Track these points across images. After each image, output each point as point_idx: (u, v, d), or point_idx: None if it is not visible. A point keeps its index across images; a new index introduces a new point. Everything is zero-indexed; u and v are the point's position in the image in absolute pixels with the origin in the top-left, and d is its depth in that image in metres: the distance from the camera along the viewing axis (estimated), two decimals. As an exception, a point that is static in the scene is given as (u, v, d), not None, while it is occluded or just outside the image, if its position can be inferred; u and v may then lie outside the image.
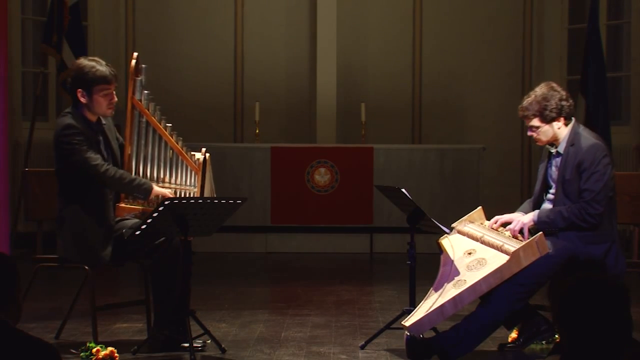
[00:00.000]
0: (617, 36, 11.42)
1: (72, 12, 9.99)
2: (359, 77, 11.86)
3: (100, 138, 5.59)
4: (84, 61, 5.57)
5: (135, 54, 5.73)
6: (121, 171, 5.46)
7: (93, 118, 5.55)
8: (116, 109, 5.72)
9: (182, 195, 5.59)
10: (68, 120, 5.46)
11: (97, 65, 5.50)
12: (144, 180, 5.50)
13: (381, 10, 11.90)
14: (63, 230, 5.49)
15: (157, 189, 5.50)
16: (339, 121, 11.49)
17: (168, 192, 5.51)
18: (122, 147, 5.71)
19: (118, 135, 5.79)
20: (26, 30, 11.12)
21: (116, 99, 5.57)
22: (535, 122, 5.31)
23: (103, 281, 7.28)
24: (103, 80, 5.46)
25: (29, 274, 5.56)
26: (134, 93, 5.61)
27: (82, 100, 5.47)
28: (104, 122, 5.62)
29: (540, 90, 5.33)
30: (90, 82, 5.45)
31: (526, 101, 5.34)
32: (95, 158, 5.41)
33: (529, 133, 5.40)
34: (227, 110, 11.88)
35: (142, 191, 5.46)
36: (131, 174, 5.53)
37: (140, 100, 5.61)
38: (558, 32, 11.71)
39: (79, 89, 5.47)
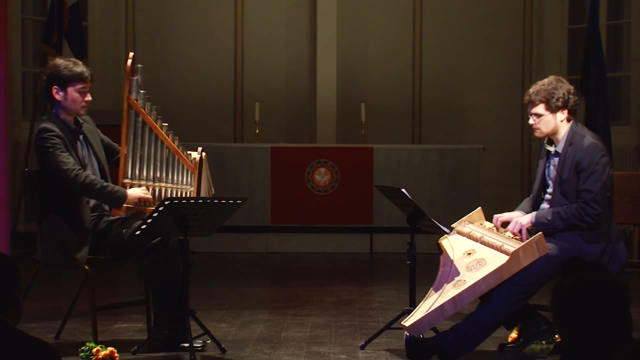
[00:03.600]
0: (617, 36, 11.42)
1: (72, 12, 9.99)
2: (359, 77, 11.86)
3: (81, 139, 5.58)
4: (59, 60, 5.63)
5: (131, 54, 5.73)
6: (93, 177, 5.42)
7: (71, 119, 5.55)
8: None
9: (179, 195, 5.59)
10: (44, 124, 5.47)
11: (73, 64, 5.52)
12: (117, 188, 5.47)
13: (381, 10, 11.90)
14: (42, 234, 5.51)
15: (132, 193, 5.47)
16: (339, 121, 11.49)
17: (142, 192, 5.49)
18: (107, 147, 5.71)
19: (103, 136, 5.78)
20: (26, 30, 11.12)
21: (90, 98, 5.57)
22: (540, 108, 5.30)
23: (103, 281, 7.28)
24: (79, 77, 5.48)
25: (29, 274, 5.56)
26: (130, 92, 5.61)
27: (57, 97, 5.48)
28: (81, 122, 5.62)
29: (548, 80, 5.36)
30: (66, 78, 5.47)
31: (533, 88, 5.34)
32: (67, 162, 5.37)
33: (531, 121, 5.36)
34: (227, 110, 11.88)
35: (115, 199, 5.43)
36: (125, 177, 5.52)
37: (137, 100, 5.61)
38: (558, 32, 11.71)
39: (54, 86, 5.48)
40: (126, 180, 5.56)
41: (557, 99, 5.26)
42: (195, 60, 11.81)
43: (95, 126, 5.75)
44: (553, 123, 5.30)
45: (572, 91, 5.32)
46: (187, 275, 5.33)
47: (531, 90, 5.34)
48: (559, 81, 5.34)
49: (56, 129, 5.43)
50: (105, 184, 5.45)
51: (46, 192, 5.49)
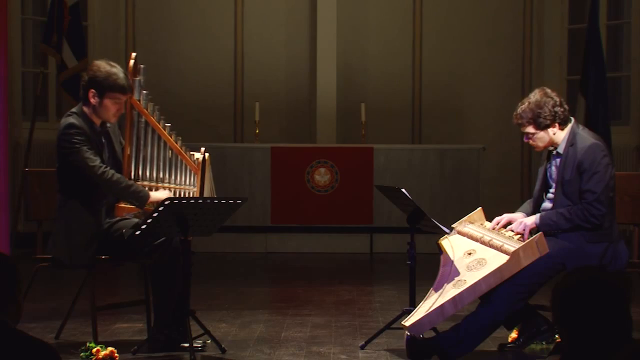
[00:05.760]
0: (617, 36, 11.42)
1: (72, 12, 9.99)
2: (359, 77, 11.86)
3: (104, 140, 5.60)
4: (106, 65, 5.55)
5: (134, 54, 5.74)
6: (118, 175, 5.45)
7: (97, 121, 5.56)
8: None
9: (182, 195, 5.59)
10: (71, 119, 5.48)
11: (119, 73, 5.50)
12: (141, 187, 5.48)
13: (381, 10, 11.90)
14: (56, 228, 5.51)
15: (154, 195, 5.48)
16: (339, 121, 11.49)
17: (165, 196, 5.49)
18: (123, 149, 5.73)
19: (122, 139, 5.79)
20: (26, 30, 11.12)
21: (123, 110, 5.58)
22: (530, 129, 5.32)
23: (103, 281, 7.28)
24: (120, 89, 5.48)
25: (29, 274, 5.56)
26: (132, 93, 5.61)
27: (92, 101, 5.49)
28: (108, 124, 5.63)
29: (534, 97, 5.33)
30: (107, 87, 5.46)
31: (520, 108, 5.34)
32: (94, 159, 5.41)
33: (525, 140, 5.40)
34: (227, 110, 11.88)
35: (138, 198, 5.45)
36: (129, 178, 5.53)
37: (139, 101, 5.61)
38: (558, 32, 11.71)
39: (93, 89, 5.48)
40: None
41: (545, 117, 5.27)
42: (195, 60, 11.81)
43: (117, 127, 5.76)
44: (547, 138, 5.33)
45: (558, 103, 5.30)
46: (187, 275, 5.34)
47: (518, 110, 5.34)
48: (544, 96, 5.32)
49: (83, 126, 5.44)
50: (130, 182, 5.48)
51: (65, 187, 5.50)
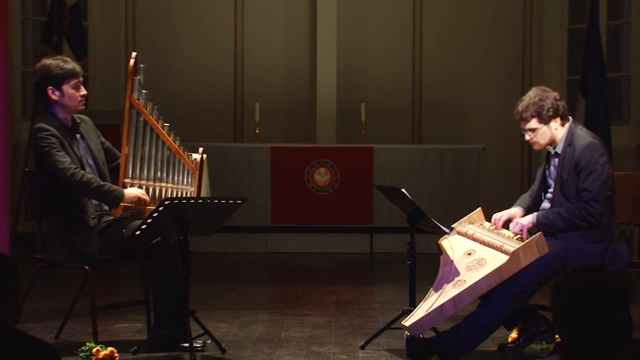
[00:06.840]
0: (617, 36, 11.43)
1: (72, 12, 10.00)
2: (359, 77, 11.86)
3: (78, 137, 5.59)
4: (47, 60, 5.63)
5: (134, 54, 5.74)
6: (89, 176, 5.42)
7: (68, 117, 5.55)
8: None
9: (179, 195, 5.59)
10: (40, 123, 5.49)
11: (62, 62, 5.54)
12: (114, 187, 5.47)
13: (381, 10, 11.90)
14: (48, 233, 5.51)
15: (130, 193, 5.47)
16: (339, 121, 11.49)
17: (140, 192, 5.49)
18: (107, 151, 5.71)
19: (104, 139, 5.78)
20: (26, 30, 11.12)
21: (85, 91, 5.59)
22: (534, 123, 5.30)
23: (103, 281, 7.28)
24: (72, 73, 5.51)
25: (29, 274, 5.56)
26: (132, 92, 5.62)
27: (54, 97, 5.49)
28: (78, 121, 5.62)
29: (533, 93, 5.36)
30: (60, 77, 5.48)
31: (521, 105, 5.33)
32: (64, 161, 5.38)
33: (527, 137, 5.37)
34: (227, 110, 11.88)
35: (111, 198, 5.43)
36: (126, 176, 5.52)
37: (138, 100, 5.61)
38: (558, 32, 11.71)
39: (49, 86, 5.49)
40: (127, 180, 5.56)
41: (548, 110, 5.28)
42: (195, 60, 11.81)
43: (94, 128, 5.75)
44: (549, 133, 5.32)
45: (558, 97, 5.35)
46: (187, 275, 5.33)
47: (519, 107, 5.33)
48: (543, 91, 5.35)
49: (52, 129, 5.43)
50: (102, 182, 5.45)
51: (46, 191, 5.49)
